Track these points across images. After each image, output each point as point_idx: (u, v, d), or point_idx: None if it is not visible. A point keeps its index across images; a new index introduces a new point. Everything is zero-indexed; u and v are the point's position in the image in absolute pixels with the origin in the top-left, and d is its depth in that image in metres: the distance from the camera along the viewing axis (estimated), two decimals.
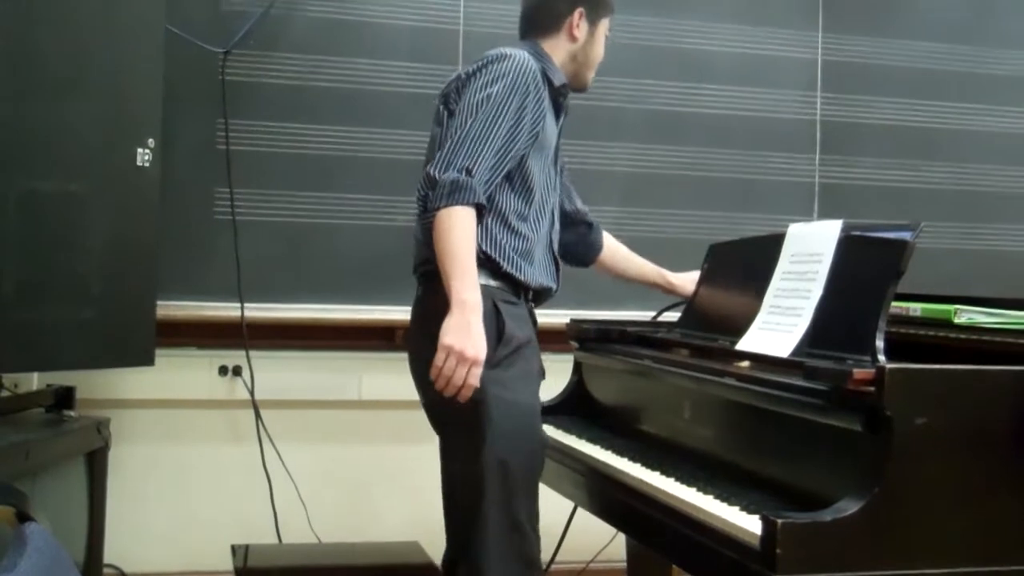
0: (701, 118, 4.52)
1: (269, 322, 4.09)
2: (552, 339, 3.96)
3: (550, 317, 4.16)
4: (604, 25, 3.03)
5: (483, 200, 2.64)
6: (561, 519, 3.28)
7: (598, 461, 2.83)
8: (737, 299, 2.90)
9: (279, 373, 4.14)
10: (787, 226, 2.81)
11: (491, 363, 2.59)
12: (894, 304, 2.39)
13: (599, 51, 3.05)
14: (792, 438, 2.32)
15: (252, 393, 4.06)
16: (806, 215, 4.53)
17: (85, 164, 3.37)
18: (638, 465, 2.69)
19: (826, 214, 4.49)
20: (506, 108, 2.71)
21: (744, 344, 2.72)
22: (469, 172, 2.62)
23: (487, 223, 2.75)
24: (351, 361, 4.21)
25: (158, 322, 3.67)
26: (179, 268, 4.03)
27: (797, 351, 2.50)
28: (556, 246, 3.07)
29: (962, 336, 2.51)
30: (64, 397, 3.62)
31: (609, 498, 2.73)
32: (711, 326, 3.04)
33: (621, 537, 3.43)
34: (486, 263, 2.74)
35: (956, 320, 2.61)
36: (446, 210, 2.59)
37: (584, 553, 3.89)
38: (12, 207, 3.15)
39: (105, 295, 3.43)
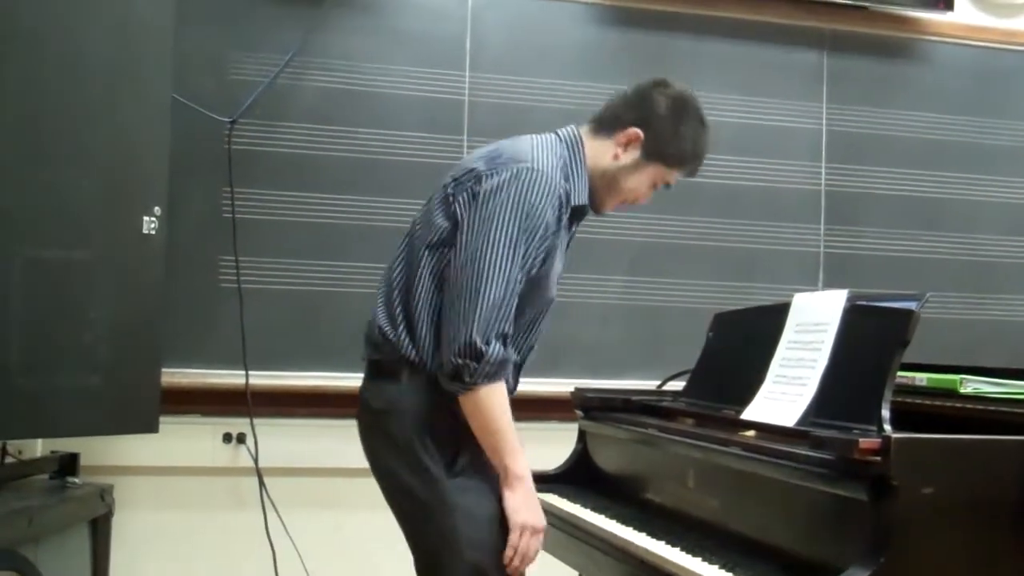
0: (707, 188, 4.53)
1: (273, 390, 4.09)
2: (556, 408, 3.98)
3: (554, 386, 4.17)
4: (658, 171, 2.74)
5: None
6: None
7: (603, 530, 2.81)
8: (742, 368, 2.90)
9: (283, 440, 4.13)
10: (792, 296, 2.82)
11: (453, 471, 2.58)
12: (899, 374, 2.39)
13: (634, 188, 2.77)
14: (797, 507, 2.31)
15: (256, 460, 4.05)
16: (811, 285, 4.53)
17: (91, 232, 3.38)
18: (643, 535, 2.67)
19: (831, 284, 4.49)
20: (525, 253, 2.52)
21: (749, 413, 2.72)
22: (507, 339, 2.52)
23: None
24: (356, 428, 4.19)
25: (162, 389, 3.67)
26: (184, 336, 4.03)
27: (802, 420, 2.50)
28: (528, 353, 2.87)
29: (968, 406, 2.51)
30: (68, 464, 3.62)
31: (614, 567, 2.71)
32: (716, 395, 3.03)
33: None
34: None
35: (962, 390, 2.61)
36: (488, 387, 2.50)
37: None
38: (17, 274, 3.17)
39: (110, 362, 3.43)
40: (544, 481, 3.34)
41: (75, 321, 3.34)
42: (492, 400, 2.53)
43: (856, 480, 2.08)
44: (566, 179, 2.65)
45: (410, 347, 2.59)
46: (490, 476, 2.61)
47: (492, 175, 2.57)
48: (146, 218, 3.51)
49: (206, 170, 4.12)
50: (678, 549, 2.50)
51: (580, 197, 2.70)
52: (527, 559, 2.55)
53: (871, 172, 4.71)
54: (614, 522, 2.83)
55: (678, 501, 2.82)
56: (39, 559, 3.09)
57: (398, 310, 2.63)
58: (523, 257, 2.52)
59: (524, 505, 2.58)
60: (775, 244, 4.60)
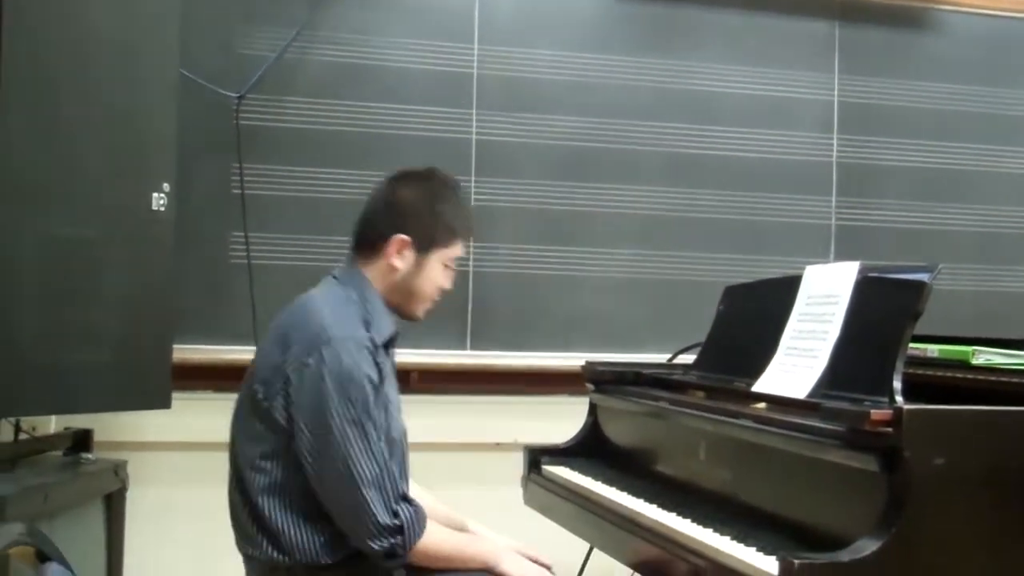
0: (717, 160, 4.53)
1: None
2: (567, 381, 3.99)
3: (565, 360, 4.19)
4: (443, 256, 2.71)
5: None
6: (577, 560, 3.28)
7: (614, 503, 2.82)
8: (753, 341, 2.90)
9: None
10: (803, 268, 2.81)
11: None
12: (911, 345, 2.39)
13: (432, 286, 2.73)
14: (809, 479, 2.31)
15: None
16: (822, 257, 4.52)
17: (101, 209, 3.39)
18: (654, 506, 2.68)
19: (842, 256, 4.48)
20: (370, 420, 2.47)
21: (761, 385, 2.72)
22: (405, 495, 2.52)
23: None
24: None
25: (174, 365, 3.68)
26: (195, 312, 4.04)
27: (814, 392, 2.50)
28: None
29: (979, 377, 2.51)
30: (82, 440, 3.64)
31: (625, 539, 2.71)
32: (727, 368, 3.04)
33: None
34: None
35: (973, 361, 2.60)
36: (422, 540, 2.51)
37: None
38: (28, 252, 3.17)
39: (122, 339, 3.44)
40: (555, 455, 3.37)
41: (86, 298, 3.35)
42: (432, 544, 2.54)
43: (868, 451, 2.08)
44: (367, 325, 2.59)
45: (282, 557, 2.55)
46: None
47: (301, 369, 2.49)
48: (155, 195, 3.52)
49: (214, 146, 4.11)
50: (689, 521, 2.51)
51: (386, 331, 2.65)
52: None
53: (883, 143, 4.69)
54: (625, 494, 2.84)
55: (689, 473, 2.82)
56: (54, 534, 3.09)
57: (254, 529, 2.58)
58: (372, 425, 2.48)
59: (520, 566, 2.67)
60: (786, 216, 4.59)
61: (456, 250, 2.74)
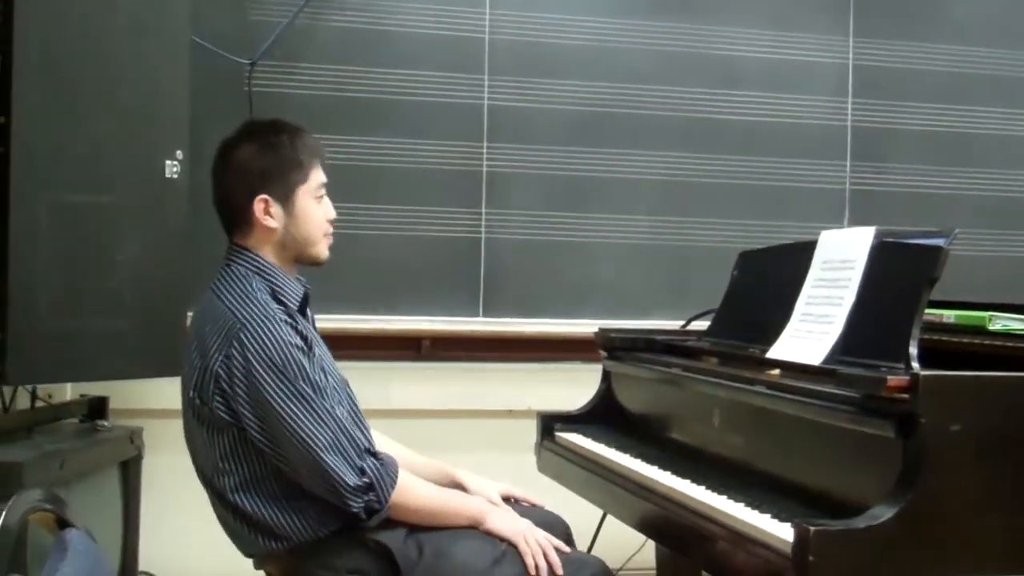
0: (730, 125, 4.52)
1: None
2: (581, 348, 3.99)
3: (578, 327, 4.20)
4: (307, 191, 2.63)
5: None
6: (590, 527, 3.29)
7: (628, 469, 2.83)
8: (767, 307, 2.90)
9: None
10: (818, 233, 2.80)
11: None
12: (927, 311, 2.38)
13: (316, 223, 2.65)
14: (824, 446, 2.31)
15: None
16: (837, 222, 4.51)
17: (114, 177, 3.39)
18: (668, 473, 2.69)
19: (857, 221, 4.47)
20: (310, 386, 2.45)
21: (775, 352, 2.72)
22: (368, 449, 2.50)
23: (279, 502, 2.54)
24: (378, 371, 4.20)
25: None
26: (208, 279, 4.03)
27: (829, 359, 2.50)
28: None
29: (996, 343, 2.50)
30: (98, 407, 3.65)
31: (639, 506, 2.72)
32: (741, 334, 3.03)
33: (651, 544, 3.42)
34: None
35: (990, 327, 2.60)
36: (396, 491, 2.50)
37: (613, 561, 3.87)
38: (44, 220, 3.18)
39: (137, 306, 3.45)
40: (568, 421, 3.37)
41: (102, 266, 3.36)
42: (409, 496, 2.54)
43: (884, 418, 2.08)
44: (272, 294, 2.56)
45: (281, 544, 2.55)
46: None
47: (227, 362, 2.46)
48: (168, 162, 3.52)
49: (227, 113, 4.09)
50: (703, 488, 2.51)
51: (294, 295, 2.62)
52: (548, 552, 2.56)
53: (898, 107, 4.67)
54: (639, 461, 2.84)
55: (703, 440, 2.82)
56: (70, 502, 3.11)
57: (245, 530, 2.58)
58: (313, 389, 2.45)
59: (504, 522, 2.61)
60: (800, 181, 4.58)
61: (316, 178, 2.65)
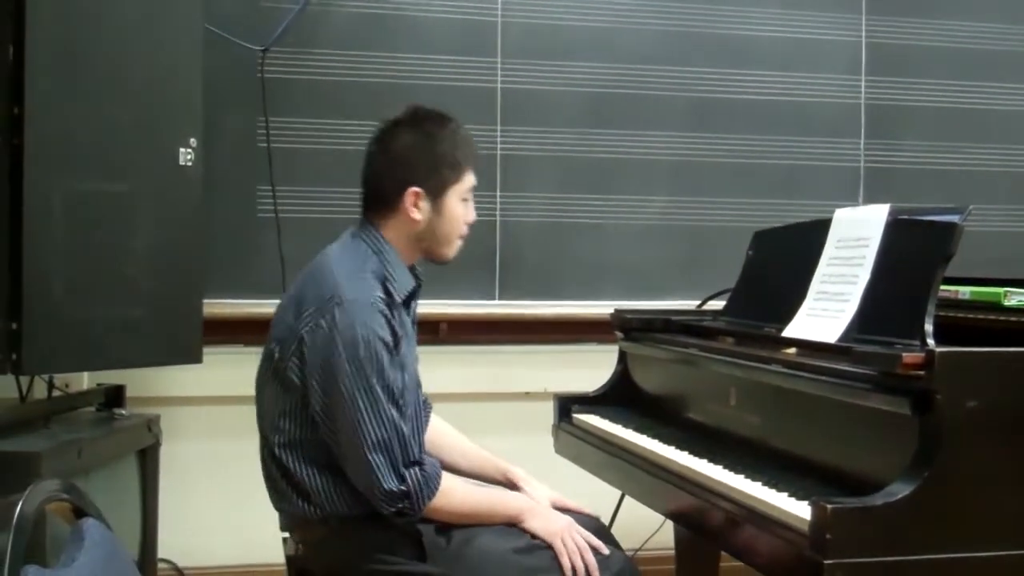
0: (744, 104, 4.50)
1: None
2: (596, 329, 3.99)
3: (594, 308, 4.19)
4: (457, 192, 2.67)
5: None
6: (608, 508, 3.28)
7: (645, 450, 2.83)
8: (783, 286, 2.89)
9: None
10: (832, 212, 2.79)
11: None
12: (942, 288, 2.38)
13: (456, 224, 2.69)
14: (840, 424, 2.31)
15: None
16: (852, 200, 4.50)
17: (128, 165, 3.39)
18: (685, 453, 2.69)
19: (872, 199, 4.45)
20: (383, 384, 2.47)
21: (791, 330, 2.71)
22: (416, 460, 2.51)
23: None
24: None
25: (205, 320, 3.70)
26: (224, 266, 4.05)
27: (845, 336, 2.49)
28: None
29: (1012, 319, 2.49)
30: (114, 396, 3.66)
31: (657, 486, 2.72)
32: (757, 313, 3.03)
33: (669, 524, 3.42)
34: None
35: (1005, 303, 2.59)
36: (436, 499, 2.52)
37: (632, 541, 3.89)
38: (58, 209, 3.18)
39: (152, 294, 3.46)
40: (585, 403, 3.37)
41: (116, 254, 3.37)
42: (447, 503, 2.55)
43: (900, 395, 2.07)
44: (382, 280, 2.58)
45: (314, 510, 2.57)
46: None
47: (314, 331, 2.49)
48: (182, 149, 3.52)
49: (240, 100, 4.11)
50: (720, 467, 2.51)
51: (403, 289, 2.63)
52: (585, 554, 2.57)
53: (912, 84, 4.65)
54: (656, 441, 2.84)
55: (719, 420, 2.82)
56: (89, 490, 3.10)
57: (283, 484, 2.60)
58: (383, 389, 2.47)
59: (545, 521, 2.62)
60: (814, 160, 4.56)
61: (468, 180, 2.69)
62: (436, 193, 2.64)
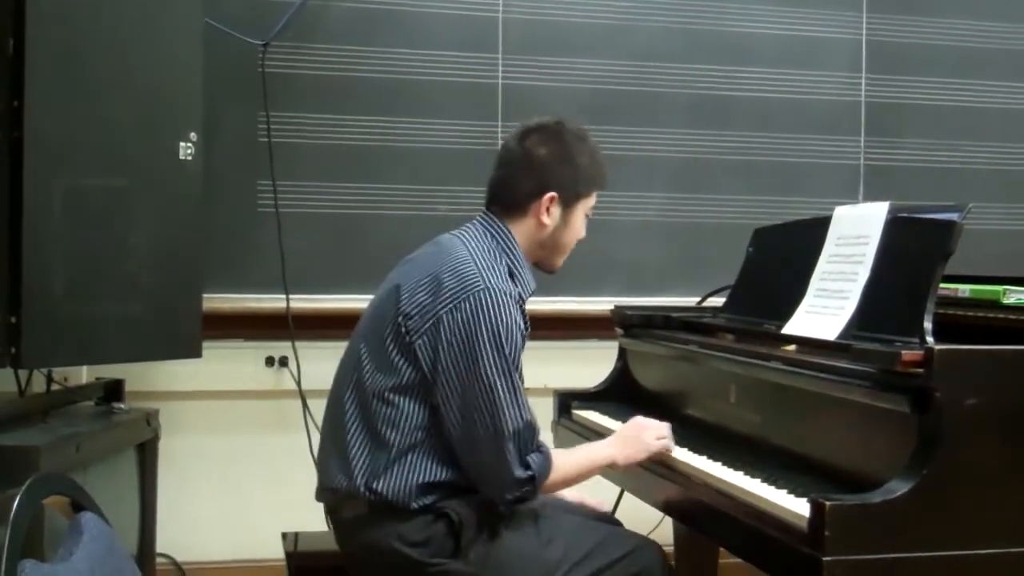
0: (745, 102, 4.50)
1: (314, 313, 4.11)
2: (597, 326, 3.99)
3: (594, 304, 4.19)
4: (585, 206, 2.74)
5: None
6: (607, 504, 3.28)
7: None
8: (783, 283, 2.89)
9: (325, 363, 4.09)
10: (832, 209, 2.80)
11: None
12: (942, 286, 2.38)
13: (574, 237, 2.76)
14: (839, 421, 2.31)
15: (299, 383, 4.08)
16: (851, 198, 4.49)
17: (128, 160, 3.39)
18: (685, 449, 2.70)
19: (872, 196, 4.45)
20: (517, 371, 2.53)
21: (791, 328, 2.72)
22: (538, 447, 2.56)
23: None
24: None
25: (205, 315, 3.69)
26: (224, 261, 4.05)
27: (844, 334, 2.49)
28: None
29: (1011, 317, 2.50)
30: (113, 390, 3.66)
31: (656, 483, 2.72)
32: (756, 310, 3.03)
33: (668, 521, 3.42)
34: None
35: (1005, 301, 2.59)
36: (548, 477, 2.56)
37: None
38: (58, 203, 3.18)
39: (152, 289, 3.45)
40: (585, 399, 3.38)
41: (116, 249, 3.36)
42: (558, 477, 2.60)
43: (899, 392, 2.08)
44: (513, 278, 2.63)
45: (369, 493, 2.55)
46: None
47: (453, 312, 2.49)
48: (182, 144, 3.51)
49: (241, 94, 4.11)
50: (720, 464, 2.53)
51: (529, 287, 2.69)
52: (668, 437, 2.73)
53: (911, 82, 4.64)
54: None
55: (719, 417, 2.82)
56: (87, 484, 3.10)
57: (361, 455, 2.57)
58: (519, 376, 2.53)
59: (631, 454, 2.72)
60: (814, 157, 4.56)
61: (594, 198, 2.77)
62: (569, 203, 2.70)
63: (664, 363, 3.23)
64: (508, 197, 2.71)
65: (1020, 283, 2.62)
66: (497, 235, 2.67)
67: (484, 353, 2.47)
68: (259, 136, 4.10)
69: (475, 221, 2.73)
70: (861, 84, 4.60)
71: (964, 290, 2.72)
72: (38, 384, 3.52)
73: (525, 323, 2.59)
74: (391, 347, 2.55)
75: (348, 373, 2.67)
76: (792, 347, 2.67)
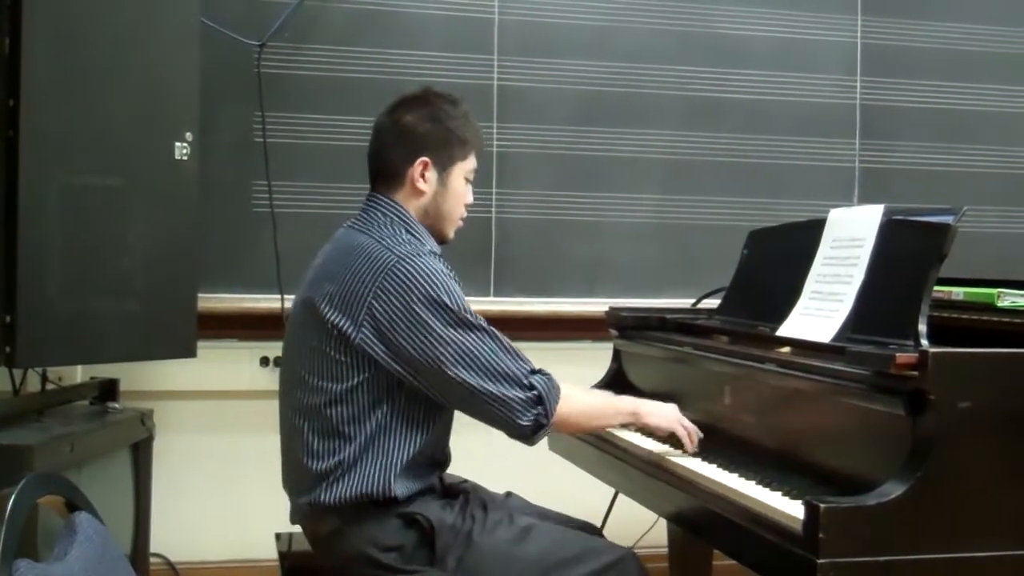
0: (739, 104, 4.51)
1: None
2: (591, 327, 3.99)
3: (589, 306, 4.20)
4: (463, 169, 2.71)
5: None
6: (602, 506, 3.28)
7: (639, 448, 2.83)
8: (777, 285, 2.89)
9: None
10: (827, 212, 2.80)
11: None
12: (936, 288, 2.38)
13: (457, 202, 2.73)
14: (834, 423, 2.32)
15: None
16: (846, 200, 4.50)
17: (124, 159, 3.39)
18: (679, 452, 2.69)
19: (867, 199, 4.46)
20: (465, 316, 2.49)
21: (785, 330, 2.72)
22: (533, 370, 2.54)
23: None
24: None
25: (199, 314, 3.70)
26: (219, 261, 4.05)
27: (839, 336, 2.50)
28: None
29: (1005, 319, 2.50)
30: (108, 389, 3.66)
31: (650, 484, 2.72)
32: (751, 312, 3.03)
33: (663, 523, 3.43)
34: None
35: (999, 303, 2.59)
36: (560, 405, 2.53)
37: (625, 539, 3.87)
38: (53, 202, 3.18)
39: (147, 288, 3.45)
40: None
41: (111, 248, 3.37)
42: (572, 408, 2.59)
43: (893, 395, 2.08)
44: (419, 240, 2.62)
45: (337, 494, 2.54)
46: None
47: (380, 296, 2.47)
48: (178, 144, 3.52)
49: (236, 95, 4.11)
50: (715, 466, 2.53)
51: (435, 246, 2.68)
52: (695, 435, 2.71)
53: (906, 85, 4.65)
54: (650, 440, 2.85)
55: (714, 418, 2.82)
56: (82, 483, 3.09)
57: (326, 468, 2.55)
58: (474, 317, 2.50)
59: (658, 417, 2.72)
60: (810, 160, 4.56)
61: (472, 161, 2.74)
62: (443, 165, 2.68)
63: (659, 365, 3.23)
64: (384, 169, 2.71)
65: (1014, 286, 2.62)
66: (385, 209, 2.66)
67: (429, 318, 2.46)
68: (255, 136, 4.11)
69: (362, 207, 2.72)
70: (856, 87, 4.61)
71: (958, 293, 2.72)
72: (32, 384, 3.52)
73: (450, 269, 2.56)
74: (334, 354, 2.52)
75: (292, 396, 2.65)
76: (787, 349, 2.67)
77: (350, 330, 2.49)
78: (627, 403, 2.75)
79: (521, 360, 2.53)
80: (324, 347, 2.53)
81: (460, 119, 2.72)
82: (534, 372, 2.53)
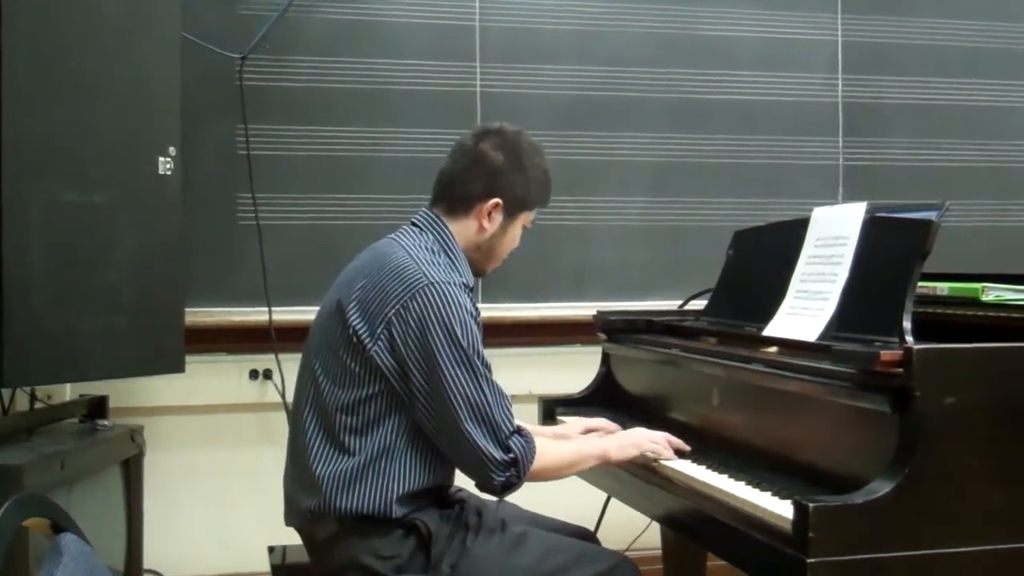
0: (722, 105, 4.51)
1: (297, 325, 4.07)
2: (580, 331, 4.00)
3: (577, 309, 4.20)
4: (525, 218, 2.76)
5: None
6: (595, 510, 3.28)
7: None
8: (763, 285, 2.90)
9: None
10: (812, 210, 2.80)
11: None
12: (921, 284, 2.38)
13: (509, 246, 2.78)
14: (821, 422, 2.32)
15: (283, 396, 4.07)
16: (831, 198, 4.51)
17: (108, 175, 3.38)
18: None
19: (851, 196, 4.47)
20: (479, 356, 2.51)
21: (771, 330, 2.72)
22: (516, 430, 2.54)
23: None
24: None
25: (187, 329, 3.69)
26: (205, 274, 4.05)
27: (824, 335, 2.50)
28: None
29: (990, 314, 2.50)
30: (97, 407, 3.65)
31: (641, 487, 2.73)
32: (738, 313, 3.04)
33: (655, 526, 3.43)
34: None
35: (983, 298, 2.59)
36: (535, 464, 2.54)
37: (619, 543, 3.89)
38: (37, 219, 3.17)
39: (134, 304, 3.45)
40: (570, 404, 3.38)
41: (97, 265, 3.36)
42: (544, 463, 2.58)
43: (879, 392, 2.08)
44: (455, 270, 2.62)
45: (338, 504, 2.54)
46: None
47: (402, 313, 2.49)
48: (161, 159, 3.51)
49: (219, 108, 4.11)
50: (705, 467, 2.53)
51: (470, 278, 2.69)
52: (670, 442, 2.71)
53: (888, 82, 4.66)
54: None
55: (703, 420, 2.83)
56: (72, 502, 3.13)
57: (329, 475, 2.54)
58: (482, 364, 2.52)
59: (624, 449, 2.71)
60: (793, 159, 4.57)
61: (534, 214, 2.78)
62: (512, 212, 2.71)
63: (647, 367, 3.24)
64: (453, 194, 2.70)
65: (999, 280, 2.62)
66: (436, 231, 2.67)
67: (441, 347, 2.47)
68: (238, 149, 4.10)
69: (413, 220, 2.73)
70: (838, 85, 4.62)
71: (943, 288, 2.72)
72: (21, 403, 3.52)
73: (475, 308, 2.57)
74: (348, 360, 2.54)
75: (305, 393, 2.65)
76: (773, 349, 2.68)
77: (367, 339, 2.50)
78: (594, 449, 2.73)
79: (508, 419, 2.52)
80: (341, 352, 2.55)
81: (541, 172, 2.75)
82: (514, 433, 2.53)
